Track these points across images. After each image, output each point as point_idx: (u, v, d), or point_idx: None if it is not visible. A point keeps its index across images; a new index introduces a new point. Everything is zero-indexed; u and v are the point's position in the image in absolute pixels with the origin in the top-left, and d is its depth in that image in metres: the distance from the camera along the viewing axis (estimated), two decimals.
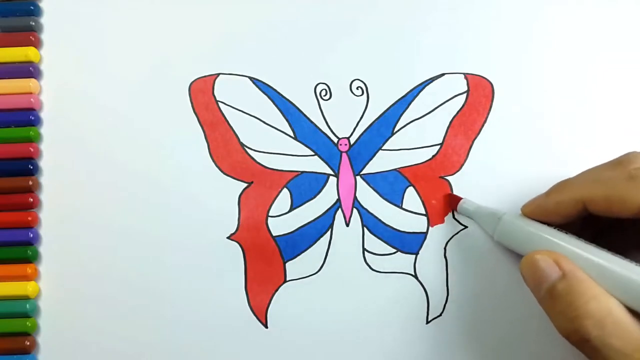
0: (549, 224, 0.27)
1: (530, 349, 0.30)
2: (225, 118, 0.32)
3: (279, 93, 0.32)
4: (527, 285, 0.26)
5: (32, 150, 0.31)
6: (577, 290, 0.23)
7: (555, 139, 0.31)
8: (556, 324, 0.24)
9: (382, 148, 0.32)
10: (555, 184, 0.27)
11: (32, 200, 0.31)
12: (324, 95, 0.32)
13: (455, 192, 0.31)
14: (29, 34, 0.32)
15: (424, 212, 0.31)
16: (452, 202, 0.31)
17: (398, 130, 0.32)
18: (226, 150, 0.32)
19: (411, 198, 0.31)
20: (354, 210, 0.31)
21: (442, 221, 0.31)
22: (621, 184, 0.24)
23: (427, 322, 0.30)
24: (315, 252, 0.31)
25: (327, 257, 0.31)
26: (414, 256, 0.31)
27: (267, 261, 0.31)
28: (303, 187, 0.31)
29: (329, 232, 0.31)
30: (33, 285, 0.31)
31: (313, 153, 0.32)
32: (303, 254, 0.31)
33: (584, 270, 0.24)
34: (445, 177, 0.31)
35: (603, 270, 0.24)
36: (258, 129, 0.32)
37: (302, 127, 0.32)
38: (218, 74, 0.32)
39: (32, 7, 0.32)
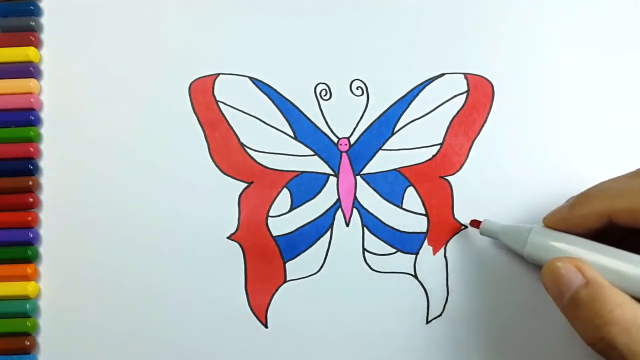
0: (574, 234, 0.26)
1: (530, 348, 0.30)
2: (225, 118, 0.32)
3: (279, 93, 0.32)
4: (549, 294, 0.25)
5: (32, 150, 0.31)
6: (602, 297, 0.23)
7: (555, 138, 0.31)
8: (581, 332, 0.24)
9: (382, 148, 0.32)
10: (577, 196, 0.27)
11: (32, 200, 0.31)
12: (324, 95, 0.32)
13: (455, 193, 0.31)
14: (29, 34, 0.32)
15: (424, 212, 0.31)
16: (473, 223, 0.30)
17: (398, 130, 0.32)
18: (226, 150, 0.32)
19: (411, 198, 0.31)
20: (354, 210, 0.31)
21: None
22: None
23: (427, 322, 0.30)
24: (315, 252, 0.31)
25: (327, 257, 0.31)
26: (414, 256, 0.31)
27: (267, 261, 0.31)
28: (303, 187, 0.31)
29: (329, 232, 0.31)
30: (33, 285, 0.31)
31: (313, 153, 0.32)
32: (303, 254, 0.31)
33: (608, 277, 0.24)
34: (445, 177, 0.31)
35: (628, 276, 0.24)
36: (258, 129, 0.32)
37: (302, 127, 0.32)
38: (218, 74, 0.32)
39: (32, 7, 0.32)
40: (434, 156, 0.32)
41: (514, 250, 0.28)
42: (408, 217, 0.31)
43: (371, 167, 0.32)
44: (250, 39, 0.32)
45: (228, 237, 0.31)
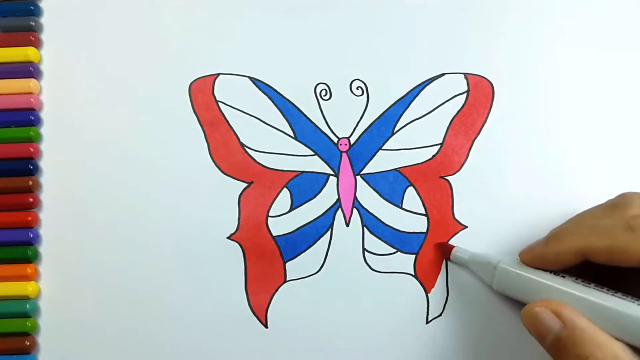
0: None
1: (529, 348, 0.30)
2: (225, 118, 0.32)
3: (279, 93, 0.32)
4: (532, 335, 0.25)
5: (32, 150, 0.31)
6: (581, 340, 0.23)
7: (555, 138, 0.31)
8: None
9: (382, 148, 0.32)
10: (553, 232, 0.27)
11: (32, 200, 0.31)
12: (324, 95, 0.32)
13: (455, 193, 0.31)
14: (29, 34, 0.32)
15: (424, 212, 0.31)
16: (444, 251, 0.30)
17: (398, 130, 0.32)
18: (226, 150, 0.32)
19: (411, 198, 0.31)
20: (354, 210, 0.31)
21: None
22: (621, 235, 0.24)
23: (427, 322, 0.30)
24: (315, 252, 0.31)
25: (327, 257, 0.31)
26: (414, 256, 0.31)
27: (267, 261, 0.31)
28: (303, 187, 0.31)
29: (329, 232, 0.31)
30: (33, 285, 0.31)
31: (313, 153, 0.32)
32: (303, 254, 0.31)
33: (585, 314, 0.24)
34: (446, 177, 0.31)
35: (605, 311, 0.24)
36: (258, 129, 0.32)
37: (302, 127, 0.32)
38: (218, 74, 0.32)
39: (32, 7, 0.32)
40: (434, 156, 0.32)
41: (483, 281, 0.29)
42: (408, 217, 0.31)
43: (371, 167, 0.32)
44: (250, 39, 0.32)
45: (228, 237, 0.31)
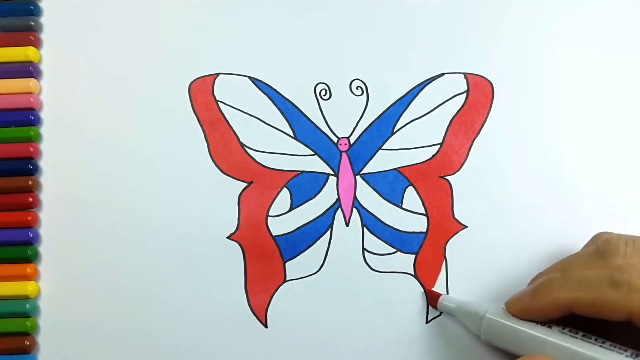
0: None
1: None
2: (225, 118, 0.32)
3: (279, 93, 0.32)
4: None
5: (32, 150, 0.31)
6: None
7: (555, 138, 0.31)
8: None
9: (382, 148, 0.32)
10: (539, 283, 0.27)
11: (32, 200, 0.31)
12: (324, 95, 0.32)
13: (455, 193, 0.31)
14: (29, 34, 0.32)
15: (424, 212, 0.31)
16: (431, 299, 0.30)
17: (398, 130, 0.32)
18: (226, 150, 0.32)
19: (411, 198, 0.31)
20: (354, 210, 0.31)
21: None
22: (607, 291, 0.24)
23: (427, 322, 0.30)
24: (315, 252, 0.31)
25: (327, 257, 0.31)
26: (414, 256, 0.31)
27: (267, 261, 0.31)
28: (303, 187, 0.31)
29: (329, 232, 0.31)
30: (33, 285, 0.31)
31: (313, 153, 0.32)
32: (303, 254, 0.31)
33: None
34: (446, 177, 0.31)
35: None
36: (258, 129, 0.32)
37: (302, 127, 0.32)
38: (218, 74, 0.32)
39: (32, 7, 0.32)
40: (434, 156, 0.32)
41: (471, 331, 0.29)
42: (408, 217, 0.31)
43: (371, 167, 0.32)
44: (250, 39, 0.32)
45: (228, 237, 0.31)
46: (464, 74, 0.32)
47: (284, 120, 0.32)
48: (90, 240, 0.31)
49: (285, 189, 0.31)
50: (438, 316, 0.30)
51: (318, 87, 0.32)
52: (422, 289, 0.30)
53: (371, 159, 0.32)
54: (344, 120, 0.32)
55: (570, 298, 0.25)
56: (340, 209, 0.31)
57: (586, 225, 0.30)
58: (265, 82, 0.32)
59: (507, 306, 0.27)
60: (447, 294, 0.30)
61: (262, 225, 0.31)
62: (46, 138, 0.32)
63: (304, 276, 0.31)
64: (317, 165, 0.32)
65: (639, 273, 0.23)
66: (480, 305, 0.28)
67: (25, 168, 0.31)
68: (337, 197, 0.31)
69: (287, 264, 0.31)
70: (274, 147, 0.32)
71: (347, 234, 0.31)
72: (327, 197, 0.31)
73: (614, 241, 0.26)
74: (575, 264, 0.26)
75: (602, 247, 0.26)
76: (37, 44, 0.32)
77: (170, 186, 0.31)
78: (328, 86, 0.32)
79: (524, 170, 0.31)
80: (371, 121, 0.32)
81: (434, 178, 0.31)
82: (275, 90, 0.32)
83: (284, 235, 0.31)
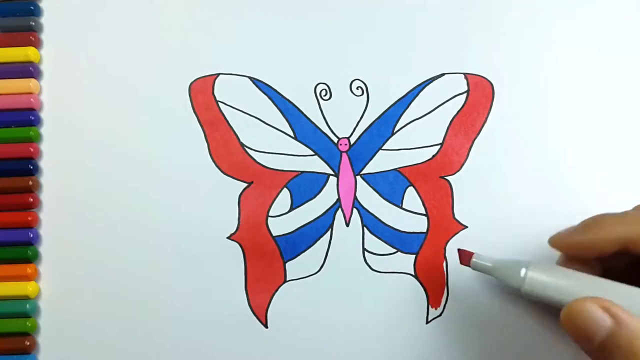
0: (578, 269, 0.25)
1: (529, 348, 0.30)
2: (225, 118, 0.32)
3: (279, 93, 0.32)
4: (572, 339, 0.23)
5: (32, 150, 0.31)
6: (636, 339, 0.21)
7: (555, 138, 0.31)
8: None
9: (382, 148, 0.32)
10: (590, 219, 0.25)
11: (32, 200, 0.31)
12: (324, 95, 0.32)
13: (455, 193, 0.31)
14: (29, 34, 0.32)
15: (424, 212, 0.31)
16: (463, 258, 0.28)
17: (398, 130, 0.32)
18: (226, 150, 0.32)
19: (411, 198, 0.31)
20: (354, 210, 0.31)
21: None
22: None
23: (427, 322, 0.30)
24: (315, 252, 0.31)
25: (327, 257, 0.31)
26: (414, 256, 0.31)
27: (267, 261, 0.31)
28: (303, 187, 0.31)
29: (329, 232, 0.31)
30: (33, 285, 0.31)
31: (313, 153, 0.32)
32: (303, 254, 0.31)
33: (636, 312, 0.22)
34: (446, 177, 0.31)
35: None
36: (258, 129, 0.32)
37: (302, 127, 0.32)
38: (218, 74, 0.32)
39: (32, 7, 0.32)
40: (434, 156, 0.32)
41: (510, 285, 0.26)
42: (408, 217, 0.31)
43: (371, 167, 0.32)
44: (250, 39, 0.32)
45: (228, 237, 0.31)
46: (464, 74, 0.32)
47: (284, 120, 0.32)
48: (90, 240, 0.31)
49: (285, 189, 0.31)
50: (438, 316, 0.30)
51: (318, 87, 0.32)
52: (422, 289, 0.31)
53: (371, 159, 0.32)
54: (344, 120, 0.32)
55: (626, 232, 0.23)
56: (340, 209, 0.31)
57: None
58: (265, 82, 0.32)
59: (552, 242, 0.26)
60: (447, 293, 0.30)
61: (262, 225, 0.31)
62: (46, 138, 0.32)
63: (304, 276, 0.31)
64: (317, 165, 0.32)
65: None
66: (521, 259, 0.26)
67: (25, 168, 0.31)
68: (337, 197, 0.31)
69: (287, 264, 0.31)
70: (274, 147, 0.32)
71: (347, 234, 0.31)
72: (327, 197, 0.31)
73: None
74: (628, 211, 0.25)
75: None
76: (37, 44, 0.32)
77: (170, 186, 0.31)
78: (328, 86, 0.32)
79: (524, 170, 0.31)
80: (371, 121, 0.32)
81: (434, 178, 0.31)
82: (275, 90, 0.32)
83: (284, 235, 0.31)
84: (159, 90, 0.32)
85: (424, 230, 0.31)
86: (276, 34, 0.32)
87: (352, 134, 0.32)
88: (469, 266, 0.28)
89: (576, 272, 0.25)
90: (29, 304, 0.30)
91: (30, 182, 0.31)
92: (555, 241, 0.26)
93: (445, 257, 0.31)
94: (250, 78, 0.32)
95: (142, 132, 0.32)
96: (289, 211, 0.31)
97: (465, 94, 0.32)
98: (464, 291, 0.30)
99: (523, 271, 0.26)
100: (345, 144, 0.32)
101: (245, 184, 0.31)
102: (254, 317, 0.30)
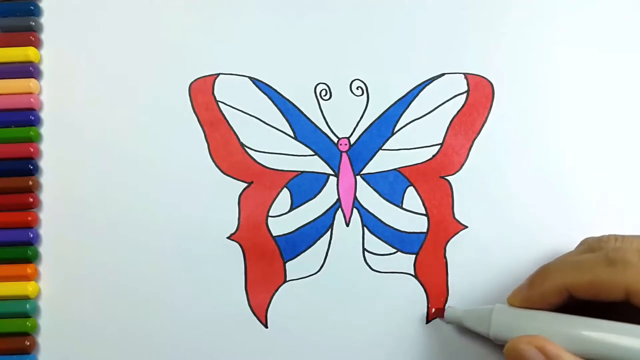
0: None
1: None
2: (225, 118, 0.32)
3: (279, 93, 0.32)
4: None
5: (32, 150, 0.31)
6: None
7: (555, 138, 0.31)
8: None
9: (382, 148, 0.32)
10: (536, 272, 0.27)
11: (32, 200, 0.31)
12: (324, 95, 0.32)
13: (455, 193, 0.31)
14: (29, 34, 0.32)
15: (424, 212, 0.31)
16: (437, 315, 0.30)
17: (398, 130, 0.32)
18: (226, 150, 0.32)
19: (411, 198, 0.31)
20: (354, 210, 0.31)
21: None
22: (603, 270, 0.24)
23: (427, 322, 0.30)
24: (315, 252, 0.31)
25: (327, 257, 0.31)
26: (414, 256, 0.31)
27: (267, 261, 0.31)
28: (303, 187, 0.31)
29: (329, 232, 0.31)
30: (33, 285, 0.31)
31: (313, 153, 0.32)
32: (303, 254, 0.31)
33: (576, 347, 0.24)
34: (446, 177, 0.31)
35: (595, 343, 0.24)
36: (258, 129, 0.32)
37: (302, 127, 0.32)
38: (218, 74, 0.32)
39: (32, 7, 0.32)
40: (434, 156, 0.32)
41: (480, 333, 0.28)
42: (408, 217, 0.31)
43: (371, 167, 0.32)
44: (250, 39, 0.32)
45: (228, 237, 0.31)
46: (464, 74, 0.32)
47: (284, 120, 0.32)
48: (90, 240, 0.31)
49: (285, 189, 0.31)
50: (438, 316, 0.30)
51: (318, 87, 0.32)
52: (422, 289, 0.31)
53: (371, 159, 0.32)
54: (344, 120, 0.32)
55: (567, 280, 0.25)
56: (340, 209, 0.31)
57: (586, 225, 0.30)
58: (265, 82, 0.32)
59: (508, 300, 0.27)
60: (448, 293, 0.30)
61: (262, 225, 0.31)
62: (46, 138, 0.32)
63: (304, 276, 0.31)
64: (317, 165, 0.32)
65: (632, 251, 0.24)
66: (486, 307, 0.28)
67: (25, 168, 0.31)
68: (337, 197, 0.31)
69: (287, 264, 0.31)
70: (274, 147, 0.32)
71: (347, 234, 0.31)
72: (327, 197, 0.31)
73: (604, 237, 0.26)
74: (570, 254, 0.27)
75: (593, 244, 0.26)
76: (37, 44, 0.32)
77: (170, 186, 0.31)
78: (328, 86, 0.32)
79: (524, 170, 0.31)
80: (371, 121, 0.32)
81: (434, 178, 0.31)
82: (275, 90, 0.32)
83: (284, 235, 0.31)
84: (159, 90, 0.32)
85: (424, 230, 0.31)
86: (276, 34, 0.32)
87: (352, 134, 0.32)
88: (443, 319, 0.29)
89: (537, 312, 0.26)
90: (29, 304, 0.30)
91: (30, 182, 0.31)
92: (511, 300, 0.27)
93: (445, 257, 0.31)
94: (250, 78, 0.32)
95: (142, 132, 0.32)
96: (289, 211, 0.31)
97: (465, 94, 0.32)
98: (464, 291, 0.30)
99: (488, 317, 0.27)
100: (345, 144, 0.32)
101: (245, 184, 0.31)
102: (254, 317, 0.30)
